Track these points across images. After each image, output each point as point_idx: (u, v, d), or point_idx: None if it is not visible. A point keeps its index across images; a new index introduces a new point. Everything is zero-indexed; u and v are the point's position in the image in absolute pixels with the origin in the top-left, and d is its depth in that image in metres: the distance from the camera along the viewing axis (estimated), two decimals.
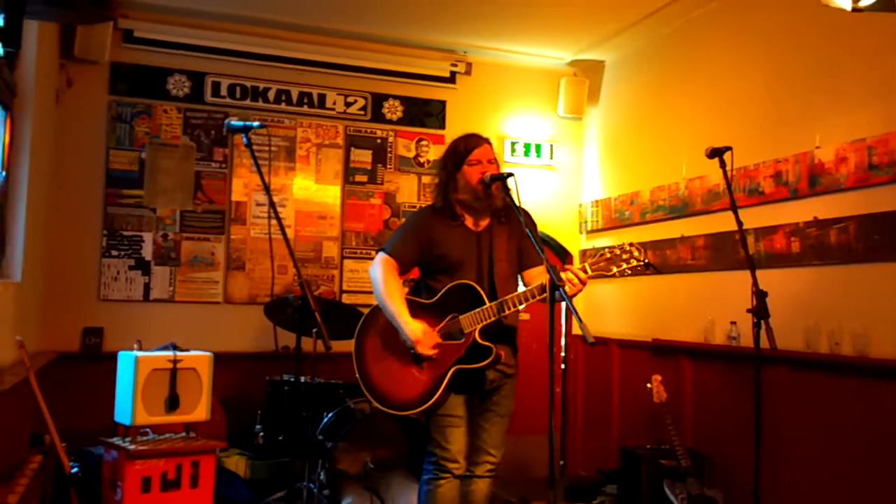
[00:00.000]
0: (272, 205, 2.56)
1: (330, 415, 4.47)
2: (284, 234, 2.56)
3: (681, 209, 5.12)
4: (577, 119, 6.37)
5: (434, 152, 5.93)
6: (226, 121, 2.74)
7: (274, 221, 2.62)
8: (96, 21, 4.48)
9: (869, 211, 3.73)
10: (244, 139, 2.64)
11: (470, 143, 3.19)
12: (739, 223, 3.25)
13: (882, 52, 3.77)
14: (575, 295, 2.87)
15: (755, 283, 3.09)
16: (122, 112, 5.23)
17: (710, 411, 4.74)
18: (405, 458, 4.43)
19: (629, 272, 2.91)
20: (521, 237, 3.15)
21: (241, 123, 2.68)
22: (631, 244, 2.94)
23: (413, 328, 3.01)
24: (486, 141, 3.23)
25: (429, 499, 3.11)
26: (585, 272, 2.87)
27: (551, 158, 6.30)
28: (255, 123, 2.67)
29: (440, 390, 3.00)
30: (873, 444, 3.64)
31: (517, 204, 2.99)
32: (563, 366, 6.36)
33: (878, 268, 3.69)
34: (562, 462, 6.28)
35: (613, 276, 2.91)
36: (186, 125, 5.36)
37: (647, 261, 2.87)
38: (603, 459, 5.61)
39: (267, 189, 2.60)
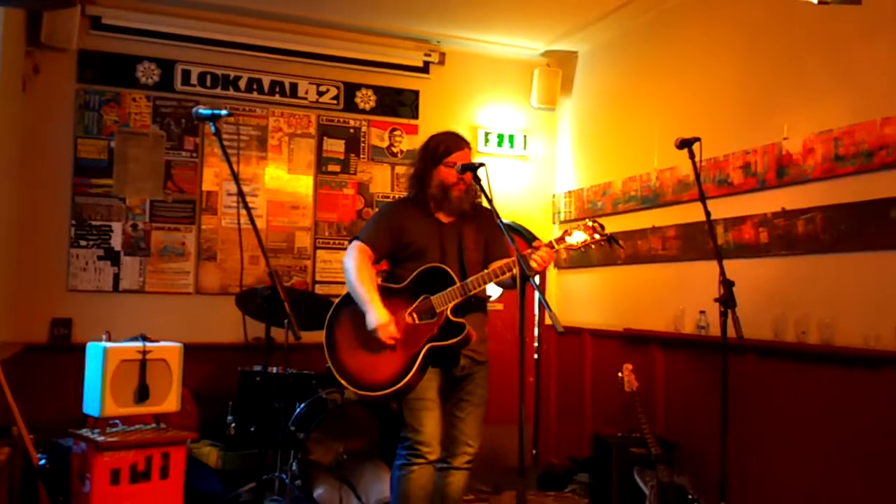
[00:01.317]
0: (241, 194, 2.55)
1: (302, 405, 4.46)
2: (254, 224, 2.54)
3: (652, 200, 5.16)
4: (551, 110, 6.38)
5: (407, 142, 5.92)
6: (194, 109, 2.71)
7: (244, 211, 2.59)
8: (62, 7, 4.44)
9: (835, 202, 3.79)
10: (212, 128, 2.61)
11: (452, 144, 3.23)
12: (707, 213, 3.28)
13: (848, 45, 3.82)
14: (543, 270, 3.01)
15: (722, 273, 3.13)
16: (90, 100, 5.16)
17: (680, 399, 4.79)
18: (378, 448, 4.44)
19: (593, 247, 2.99)
20: (490, 229, 3.20)
21: (209, 112, 2.65)
22: (594, 220, 3.07)
23: (379, 314, 3.03)
24: (467, 144, 3.28)
25: (402, 484, 3.11)
26: (552, 247, 2.98)
27: (525, 149, 6.31)
28: (224, 111, 2.64)
29: (414, 369, 3.02)
30: (838, 431, 3.71)
31: (489, 197, 3.02)
32: (536, 355, 6.39)
33: (844, 258, 3.75)
34: (535, 451, 6.33)
35: (578, 249, 3.03)
36: (156, 114, 5.30)
37: (609, 235, 2.96)
38: (576, 448, 5.65)
39: (236, 178, 2.58)
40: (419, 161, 3.28)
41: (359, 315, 3.12)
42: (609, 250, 3.07)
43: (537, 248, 2.95)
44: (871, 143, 3.61)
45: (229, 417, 4.55)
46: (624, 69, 5.71)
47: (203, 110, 2.67)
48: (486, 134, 6.17)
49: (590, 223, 3.03)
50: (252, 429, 4.55)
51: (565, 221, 6.20)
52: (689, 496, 4.14)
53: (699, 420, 4.47)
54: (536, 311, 6.38)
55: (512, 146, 6.25)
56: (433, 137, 3.29)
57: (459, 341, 3.04)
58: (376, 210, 4.98)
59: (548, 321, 6.26)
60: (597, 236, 2.99)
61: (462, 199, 3.19)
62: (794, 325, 3.98)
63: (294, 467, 4.31)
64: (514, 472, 2.53)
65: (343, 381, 3.14)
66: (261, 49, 5.55)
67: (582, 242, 2.99)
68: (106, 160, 5.17)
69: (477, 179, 3.04)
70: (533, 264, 2.89)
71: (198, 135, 5.36)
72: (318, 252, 5.67)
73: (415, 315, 3.08)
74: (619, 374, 4.66)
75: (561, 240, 3.01)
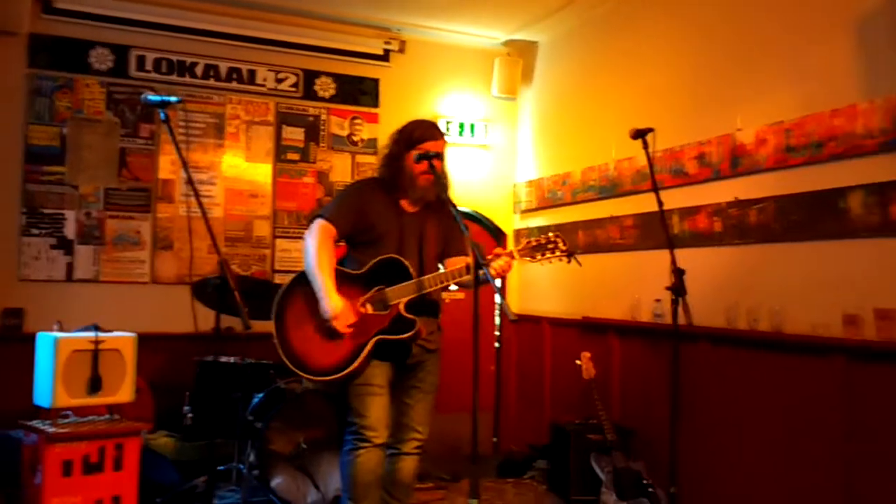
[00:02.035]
0: (191, 182, 2.51)
1: (260, 395, 4.43)
2: (203, 212, 2.51)
3: (610, 189, 5.20)
4: (511, 99, 6.40)
5: (368, 131, 5.89)
6: (142, 95, 2.67)
7: (196, 200, 2.56)
8: None
9: (786, 192, 3.86)
10: (161, 114, 2.57)
11: (427, 132, 3.21)
12: (660, 203, 3.32)
13: (800, 38, 3.88)
14: (501, 277, 2.98)
15: (673, 262, 3.18)
16: (41, 85, 5.04)
17: (637, 387, 4.86)
18: (337, 438, 4.43)
19: (552, 262, 3.00)
20: (449, 225, 3.18)
21: (158, 98, 2.61)
22: (557, 235, 3.04)
23: (334, 303, 3.00)
24: (442, 136, 3.26)
25: (350, 469, 3.11)
26: (512, 257, 2.97)
27: (485, 138, 6.32)
28: (173, 98, 2.61)
29: (360, 358, 3.01)
30: (788, 415, 3.79)
31: (447, 192, 3.03)
32: (497, 344, 6.43)
33: (795, 247, 3.83)
34: (495, 439, 6.37)
35: (537, 261, 3.00)
36: (110, 100, 5.20)
37: (569, 251, 2.97)
38: (535, 435, 5.70)
39: (185, 165, 2.54)
40: (394, 143, 3.25)
41: (311, 297, 3.09)
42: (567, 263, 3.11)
43: (498, 256, 2.94)
44: (821, 134, 3.68)
45: (186, 408, 4.49)
46: (584, 59, 5.74)
47: (152, 97, 2.63)
48: (447, 123, 6.16)
49: (552, 237, 3.04)
50: (209, 419, 4.51)
51: (526, 211, 6.23)
52: (644, 481, 4.20)
53: (655, 406, 4.53)
54: (497, 300, 6.41)
55: (473, 135, 6.26)
56: (411, 122, 3.27)
57: (409, 337, 3.03)
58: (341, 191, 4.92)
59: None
60: (558, 252, 3.00)
61: (427, 189, 3.16)
62: (746, 313, 4.05)
63: (251, 457, 4.29)
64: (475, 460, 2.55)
65: (288, 363, 3.10)
66: (218, 35, 5.48)
67: (543, 257, 3.00)
68: (58, 147, 5.06)
69: (432, 168, 3.04)
70: (491, 271, 2.85)
71: (153, 122, 5.27)
72: (278, 241, 5.63)
73: (368, 305, 3.07)
74: (578, 362, 4.72)
75: (523, 251, 3.01)
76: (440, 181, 3.07)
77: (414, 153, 3.13)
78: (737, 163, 4.16)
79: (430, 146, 3.14)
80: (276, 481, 4.19)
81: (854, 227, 3.50)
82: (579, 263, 3.13)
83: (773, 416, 3.87)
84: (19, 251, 4.94)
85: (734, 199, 4.15)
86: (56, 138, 5.06)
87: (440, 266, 3.25)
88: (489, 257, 2.90)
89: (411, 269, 3.07)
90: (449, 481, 4.99)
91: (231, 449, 4.48)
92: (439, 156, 3.10)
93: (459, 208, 3.00)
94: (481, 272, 2.68)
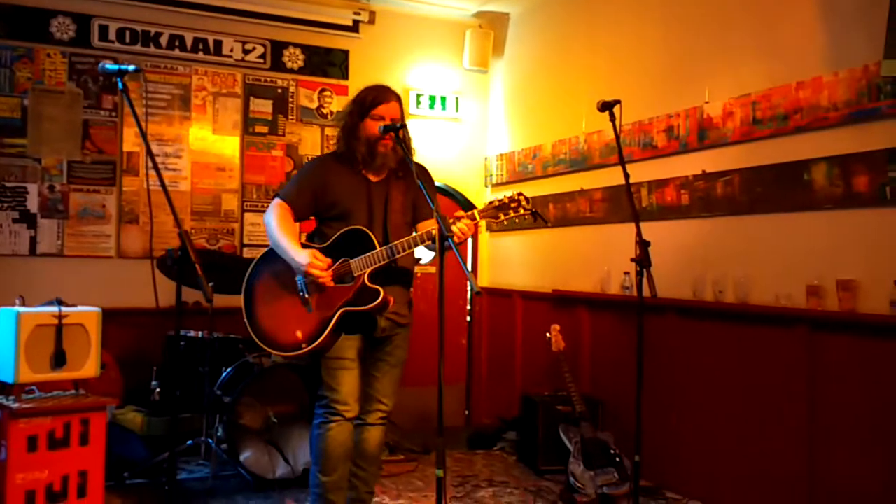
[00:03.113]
0: (149, 152, 2.46)
1: (229, 369, 4.41)
2: (163, 183, 2.46)
3: (580, 163, 5.21)
4: (483, 72, 6.36)
5: (337, 103, 5.83)
6: (100, 64, 2.60)
7: (156, 172, 2.51)
8: None
9: (752, 164, 3.88)
10: (118, 83, 2.52)
11: (379, 96, 3.16)
12: (626, 175, 3.32)
13: (767, 10, 3.88)
14: (464, 241, 2.95)
15: (639, 234, 3.19)
16: (1, 56, 4.92)
17: (605, 358, 4.91)
18: (307, 412, 4.43)
19: (517, 220, 2.95)
20: (415, 190, 3.14)
21: (115, 67, 2.54)
22: (520, 194, 2.97)
23: (303, 255, 2.99)
24: (396, 98, 3.20)
25: (320, 442, 3.12)
26: (473, 218, 2.90)
27: (457, 111, 6.29)
28: (131, 67, 2.54)
29: (327, 331, 3.00)
30: (753, 385, 3.85)
31: (410, 157, 2.99)
32: (468, 318, 6.45)
33: (760, 219, 3.86)
34: (467, 412, 6.41)
35: (502, 223, 2.96)
36: (72, 71, 5.09)
37: (533, 209, 2.92)
38: (507, 408, 5.75)
39: (143, 136, 2.50)
40: (347, 115, 3.20)
41: (278, 273, 3.08)
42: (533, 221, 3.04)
43: (459, 219, 2.91)
44: (786, 106, 3.70)
45: (153, 383, 4.48)
46: (554, 31, 5.71)
47: (109, 66, 2.56)
48: (418, 95, 6.12)
49: (515, 196, 2.98)
50: (177, 394, 4.49)
51: (497, 184, 6.22)
52: (612, 451, 4.26)
53: (623, 378, 4.58)
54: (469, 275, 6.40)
55: (444, 108, 6.22)
56: (362, 90, 3.22)
57: (374, 307, 3.02)
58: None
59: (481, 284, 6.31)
60: (521, 210, 2.94)
61: (387, 156, 3.13)
62: (711, 285, 4.09)
63: (220, 432, 4.28)
64: (445, 432, 2.56)
65: (257, 339, 3.12)
66: (183, 4, 5.36)
67: (506, 217, 2.94)
68: (19, 119, 4.95)
69: (399, 141, 3.01)
70: (455, 236, 2.82)
71: (117, 93, 5.17)
72: (246, 215, 5.58)
73: (333, 278, 3.05)
74: (547, 335, 4.75)
75: (485, 211, 2.95)
76: (400, 145, 3.01)
77: (369, 122, 3.10)
78: (704, 135, 4.17)
79: (382, 110, 3.10)
80: (245, 455, 4.19)
81: (818, 199, 3.54)
82: (545, 221, 3.10)
83: (738, 386, 3.93)
84: None
85: (701, 171, 4.18)
86: (17, 110, 4.95)
87: (414, 232, 3.22)
88: (450, 220, 2.85)
89: (375, 240, 3.05)
90: (419, 453, 5.02)
91: (200, 423, 4.47)
92: (404, 126, 3.06)
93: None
94: (446, 242, 2.65)
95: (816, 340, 3.53)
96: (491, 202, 2.98)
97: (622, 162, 3.34)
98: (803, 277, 3.59)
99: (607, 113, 3.41)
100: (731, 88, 4.03)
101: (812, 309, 3.53)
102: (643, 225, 3.40)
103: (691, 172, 4.25)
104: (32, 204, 4.97)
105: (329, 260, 3.04)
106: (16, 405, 3.50)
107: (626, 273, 4.63)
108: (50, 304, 3.74)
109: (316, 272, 2.98)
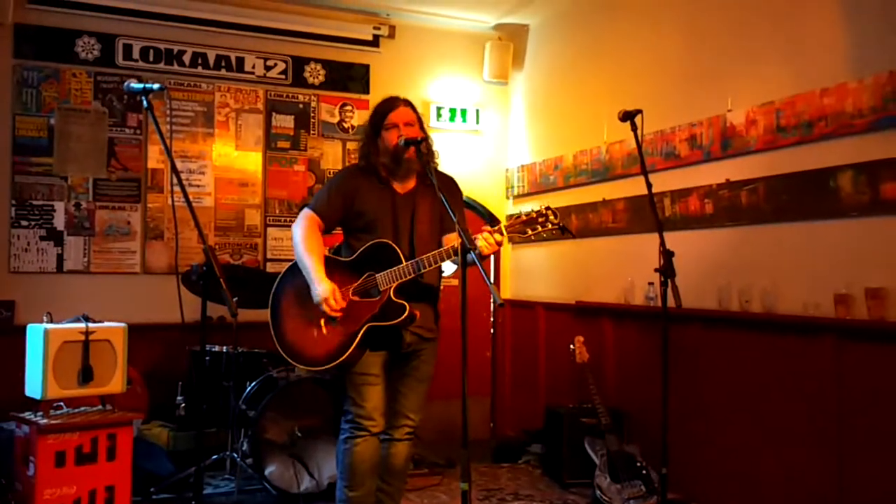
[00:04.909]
0: (174, 169, 2.49)
1: (253, 384, 4.43)
2: (187, 199, 2.48)
3: (602, 173, 5.19)
4: (503, 84, 6.37)
5: (358, 118, 5.86)
6: (125, 83, 2.64)
7: (180, 187, 2.54)
8: None
9: (776, 172, 3.84)
10: (144, 102, 2.55)
11: (386, 106, 3.20)
12: (649, 185, 3.30)
13: (791, 17, 3.85)
14: (489, 255, 2.89)
15: (662, 243, 3.16)
16: (28, 76, 5.01)
17: (630, 370, 4.86)
18: (332, 426, 4.43)
19: (545, 235, 2.91)
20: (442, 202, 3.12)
21: (139, 86, 2.58)
22: (548, 208, 2.92)
23: (323, 287, 2.99)
24: (405, 102, 3.21)
25: (347, 457, 3.11)
26: (501, 233, 2.86)
27: (477, 123, 6.29)
28: (155, 86, 2.57)
29: (352, 346, 3.00)
30: (780, 396, 3.79)
31: (432, 168, 2.99)
32: (491, 330, 6.43)
33: (786, 228, 3.82)
34: (492, 424, 6.38)
35: (528, 237, 2.91)
36: (97, 90, 5.16)
37: (561, 224, 2.88)
38: (531, 420, 5.71)
39: (168, 152, 2.52)
40: (364, 134, 3.26)
41: (302, 287, 3.08)
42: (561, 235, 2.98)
43: (489, 233, 2.86)
44: (811, 114, 3.66)
45: (179, 398, 4.51)
46: (574, 42, 5.71)
47: (134, 85, 2.60)
48: (439, 109, 6.14)
49: (543, 210, 2.93)
50: (203, 408, 4.51)
51: (519, 196, 6.21)
52: (638, 463, 4.21)
53: (648, 389, 4.52)
54: (491, 287, 6.39)
55: (465, 120, 6.23)
56: (374, 107, 3.27)
57: (400, 322, 3.01)
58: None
59: (504, 295, 6.29)
60: (549, 225, 2.90)
61: (412, 161, 3.11)
62: (737, 295, 4.04)
63: (245, 446, 4.29)
64: (469, 445, 2.55)
65: (283, 353, 3.12)
66: (205, 23, 5.43)
67: (533, 232, 2.88)
68: (46, 138, 5.03)
69: (420, 154, 3.01)
70: (481, 250, 2.79)
71: (141, 111, 5.24)
72: (269, 230, 5.61)
73: (358, 292, 3.05)
74: (571, 347, 4.72)
75: (511, 226, 2.88)
76: (420, 160, 3.01)
77: (385, 134, 3.12)
78: (727, 144, 4.14)
79: (393, 118, 3.13)
80: (270, 469, 4.19)
81: (844, 206, 3.49)
82: (573, 235, 3.04)
83: (765, 397, 3.87)
84: (10, 243, 4.92)
85: (725, 180, 4.14)
86: (44, 129, 5.03)
87: (441, 245, 3.20)
88: (477, 235, 2.82)
89: (400, 253, 3.04)
90: (444, 467, 5.00)
91: (225, 438, 4.48)
92: (426, 139, 3.07)
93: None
94: (470, 255, 2.64)
95: (845, 349, 3.47)
96: (518, 216, 2.91)
97: (645, 172, 3.32)
98: (831, 286, 3.54)
99: (629, 123, 3.40)
100: (754, 96, 4.00)
101: (840, 318, 3.48)
102: (666, 235, 3.37)
103: (715, 181, 4.21)
104: (59, 222, 5.04)
105: (344, 303, 3.03)
106: (44, 421, 3.54)
107: (650, 283, 4.59)
108: (77, 320, 3.78)
109: (327, 310, 2.99)
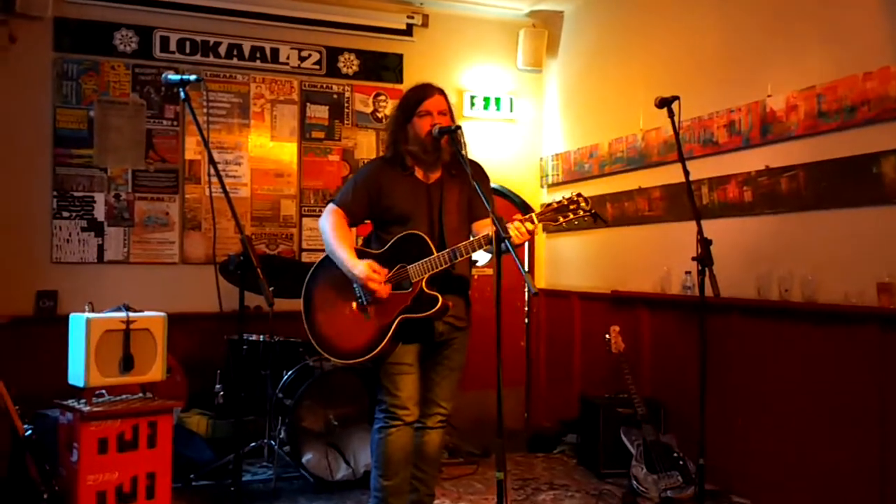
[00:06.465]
0: (211, 160, 2.51)
1: (290, 373, 4.47)
2: (225, 191, 2.51)
3: (638, 161, 5.13)
4: (537, 71, 6.32)
5: (392, 107, 5.80)
6: (163, 75, 2.67)
7: (217, 178, 2.56)
8: None
9: (817, 158, 3.77)
10: (181, 93, 2.57)
11: (420, 93, 3.17)
12: (686, 173, 3.25)
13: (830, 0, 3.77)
14: (522, 244, 2.87)
15: (700, 232, 3.11)
16: (67, 69, 5.09)
17: (667, 360, 4.82)
18: (367, 414, 4.45)
19: (576, 222, 2.88)
20: (471, 190, 3.11)
21: (177, 77, 2.60)
22: (579, 194, 2.90)
23: (360, 268, 2.99)
24: (439, 91, 3.19)
25: (381, 447, 3.12)
26: (532, 222, 2.85)
27: (511, 112, 6.26)
28: (193, 77, 2.60)
29: (386, 339, 3.00)
30: (821, 387, 3.73)
31: (465, 157, 2.96)
32: (526, 320, 6.41)
33: (826, 215, 3.74)
34: (527, 414, 6.37)
35: (560, 225, 2.89)
36: (135, 82, 5.23)
37: (593, 211, 2.85)
38: (566, 410, 5.69)
39: (205, 143, 2.55)
40: (394, 120, 3.21)
41: (335, 278, 3.09)
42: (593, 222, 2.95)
43: (521, 222, 2.84)
44: (853, 98, 3.58)
45: (217, 386, 4.56)
46: (609, 28, 5.64)
47: (172, 76, 2.62)
48: (472, 97, 6.11)
49: (574, 197, 2.90)
50: (242, 396, 4.57)
51: (553, 185, 6.17)
52: (675, 454, 4.18)
53: (685, 379, 4.49)
54: (525, 276, 6.36)
55: (499, 109, 6.20)
56: (404, 93, 3.24)
57: (433, 314, 3.00)
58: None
59: (539, 285, 6.26)
60: (581, 212, 2.87)
61: (445, 150, 3.10)
62: (777, 283, 3.98)
63: (282, 434, 4.34)
64: (505, 435, 2.55)
65: (317, 346, 3.14)
66: (240, 14, 5.46)
67: (565, 219, 2.86)
68: (86, 130, 5.11)
69: (454, 143, 2.99)
70: (514, 238, 2.77)
71: (178, 103, 5.29)
72: (304, 220, 5.65)
73: (390, 284, 3.05)
74: (607, 336, 4.69)
75: (543, 214, 2.87)
76: (454, 147, 2.98)
77: (417, 121, 3.09)
78: (767, 130, 4.06)
79: (428, 105, 3.10)
80: (307, 457, 4.24)
81: (888, 193, 3.41)
82: (606, 221, 2.99)
83: (806, 388, 3.81)
84: (52, 234, 5.02)
85: (765, 167, 4.07)
86: (84, 121, 5.11)
87: (471, 232, 3.19)
88: (509, 224, 2.80)
89: (431, 244, 3.03)
90: (479, 456, 5.00)
91: (263, 426, 4.54)
92: (459, 128, 3.03)
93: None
94: (503, 243, 2.62)
95: (888, 339, 3.40)
96: (549, 205, 2.90)
97: (682, 159, 3.28)
98: (874, 274, 3.46)
99: (665, 110, 3.35)
100: (794, 81, 3.91)
101: (883, 307, 3.40)
102: (704, 223, 3.31)
103: (754, 168, 4.14)
104: (99, 213, 5.12)
105: (385, 270, 3.03)
106: (87, 408, 3.61)
107: (688, 272, 4.54)
108: (117, 309, 3.85)
109: (374, 286, 2.98)
